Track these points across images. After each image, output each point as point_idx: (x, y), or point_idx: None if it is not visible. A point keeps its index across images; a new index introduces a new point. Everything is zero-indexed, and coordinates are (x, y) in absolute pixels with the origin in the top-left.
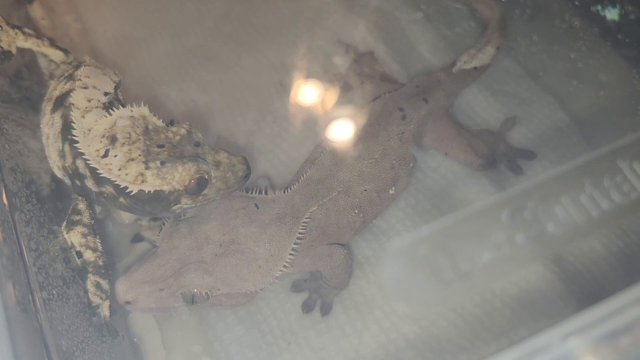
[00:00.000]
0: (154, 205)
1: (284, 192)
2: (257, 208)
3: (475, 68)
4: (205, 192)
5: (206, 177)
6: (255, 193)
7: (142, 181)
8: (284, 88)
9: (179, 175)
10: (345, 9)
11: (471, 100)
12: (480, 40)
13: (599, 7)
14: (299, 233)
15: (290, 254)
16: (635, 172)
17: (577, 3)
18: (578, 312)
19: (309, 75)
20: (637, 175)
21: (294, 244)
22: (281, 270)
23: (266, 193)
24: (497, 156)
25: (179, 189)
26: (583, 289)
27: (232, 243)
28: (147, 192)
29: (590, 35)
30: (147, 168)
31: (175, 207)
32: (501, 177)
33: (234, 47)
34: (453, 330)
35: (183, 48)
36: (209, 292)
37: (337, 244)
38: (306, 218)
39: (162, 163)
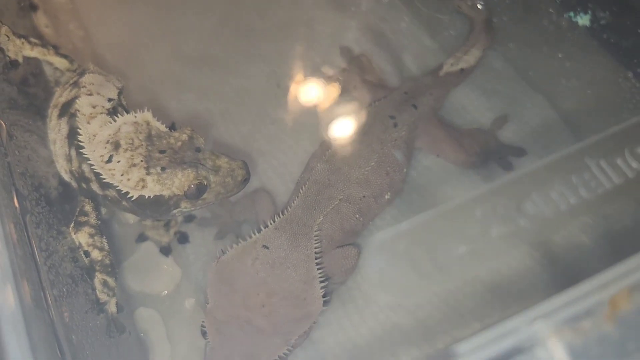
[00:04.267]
0: (154, 209)
1: (283, 213)
2: (268, 249)
3: (462, 70)
4: (204, 196)
5: (205, 183)
6: (255, 233)
7: (143, 187)
8: (282, 91)
9: (178, 181)
10: (338, 12)
11: (463, 99)
12: (467, 42)
13: (572, 14)
14: (315, 247)
15: (319, 269)
16: (603, 169)
17: (551, 10)
18: (544, 299)
19: (305, 78)
20: (604, 172)
21: (316, 258)
22: (323, 287)
23: (265, 225)
24: (489, 154)
25: (178, 194)
26: (552, 279)
27: (270, 296)
28: (147, 197)
29: (576, 36)
30: (148, 174)
31: (175, 211)
32: (492, 174)
33: (233, 52)
34: (431, 317)
35: (183, 54)
36: (287, 350)
37: (349, 245)
38: (316, 231)
39: (163, 169)
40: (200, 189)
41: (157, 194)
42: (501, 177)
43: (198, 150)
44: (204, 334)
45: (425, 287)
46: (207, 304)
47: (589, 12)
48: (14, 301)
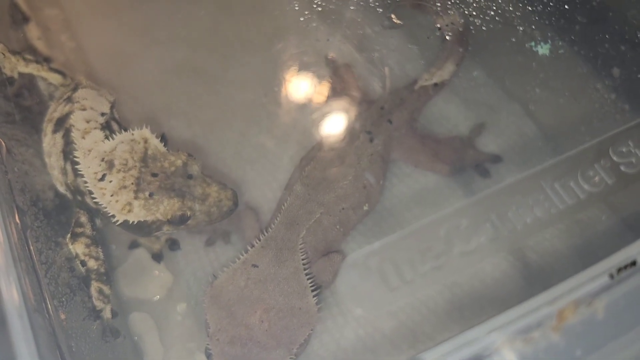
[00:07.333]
0: (136, 230)
1: (267, 231)
2: (257, 267)
3: (435, 84)
4: (188, 222)
5: (188, 214)
6: (243, 254)
7: (129, 211)
8: (268, 100)
9: (163, 209)
10: (325, 23)
11: (443, 108)
12: (441, 56)
13: (533, 44)
14: (302, 259)
15: (309, 279)
16: (557, 191)
17: (513, 40)
18: (500, 313)
19: (291, 88)
20: (558, 193)
21: (304, 270)
22: (315, 295)
23: (252, 245)
24: (466, 161)
25: (161, 219)
26: (505, 299)
27: (267, 312)
28: (131, 222)
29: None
30: (135, 198)
31: (157, 233)
32: (469, 181)
33: (221, 61)
34: (399, 328)
35: (172, 63)
36: (290, 359)
37: (334, 252)
38: (300, 244)
39: (151, 195)
40: (183, 218)
41: (142, 219)
42: (461, 200)
43: (190, 177)
44: (209, 356)
45: (393, 300)
46: (209, 328)
47: (549, 41)
48: (20, 310)
